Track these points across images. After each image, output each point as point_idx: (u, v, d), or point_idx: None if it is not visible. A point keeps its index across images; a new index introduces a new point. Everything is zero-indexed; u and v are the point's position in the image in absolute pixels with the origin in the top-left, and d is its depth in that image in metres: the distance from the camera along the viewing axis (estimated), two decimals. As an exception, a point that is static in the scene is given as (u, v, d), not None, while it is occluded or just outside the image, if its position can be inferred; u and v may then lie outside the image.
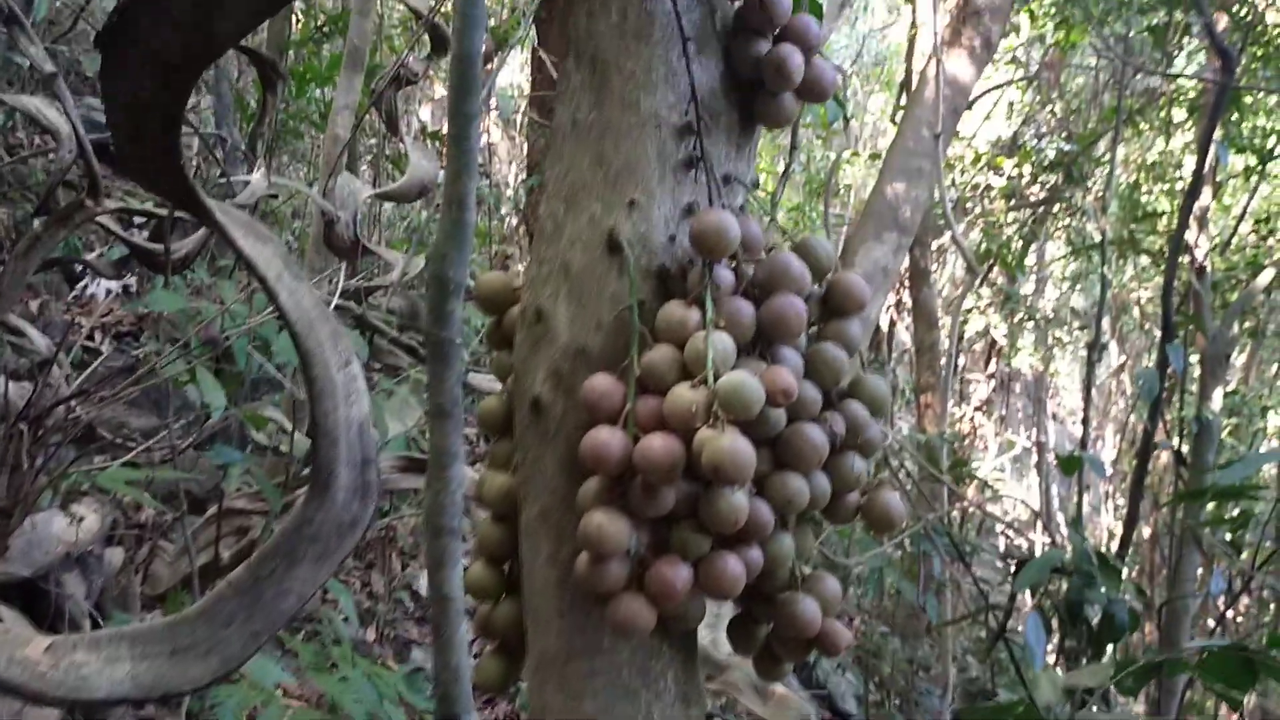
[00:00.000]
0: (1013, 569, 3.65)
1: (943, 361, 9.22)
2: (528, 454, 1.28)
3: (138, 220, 5.03)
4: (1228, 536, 3.79)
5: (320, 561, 1.96)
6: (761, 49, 1.29)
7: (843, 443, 1.27)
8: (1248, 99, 9.43)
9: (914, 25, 9.06)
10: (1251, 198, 10.04)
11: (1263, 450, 9.20)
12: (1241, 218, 10.14)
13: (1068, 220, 11.29)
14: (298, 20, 8.69)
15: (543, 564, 1.26)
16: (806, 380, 1.24)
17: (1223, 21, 8.45)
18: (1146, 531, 9.90)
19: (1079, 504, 5.74)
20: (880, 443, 1.32)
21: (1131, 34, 8.57)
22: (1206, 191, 8.01)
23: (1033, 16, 8.99)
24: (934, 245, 9.86)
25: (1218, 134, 8.38)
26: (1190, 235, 7.41)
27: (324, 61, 7.71)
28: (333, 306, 3.33)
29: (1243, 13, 8.56)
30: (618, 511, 1.14)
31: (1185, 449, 5.82)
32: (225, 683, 3.02)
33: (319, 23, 8.47)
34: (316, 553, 1.96)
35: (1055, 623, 3.73)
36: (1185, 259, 8.55)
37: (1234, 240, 10.28)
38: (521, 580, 1.31)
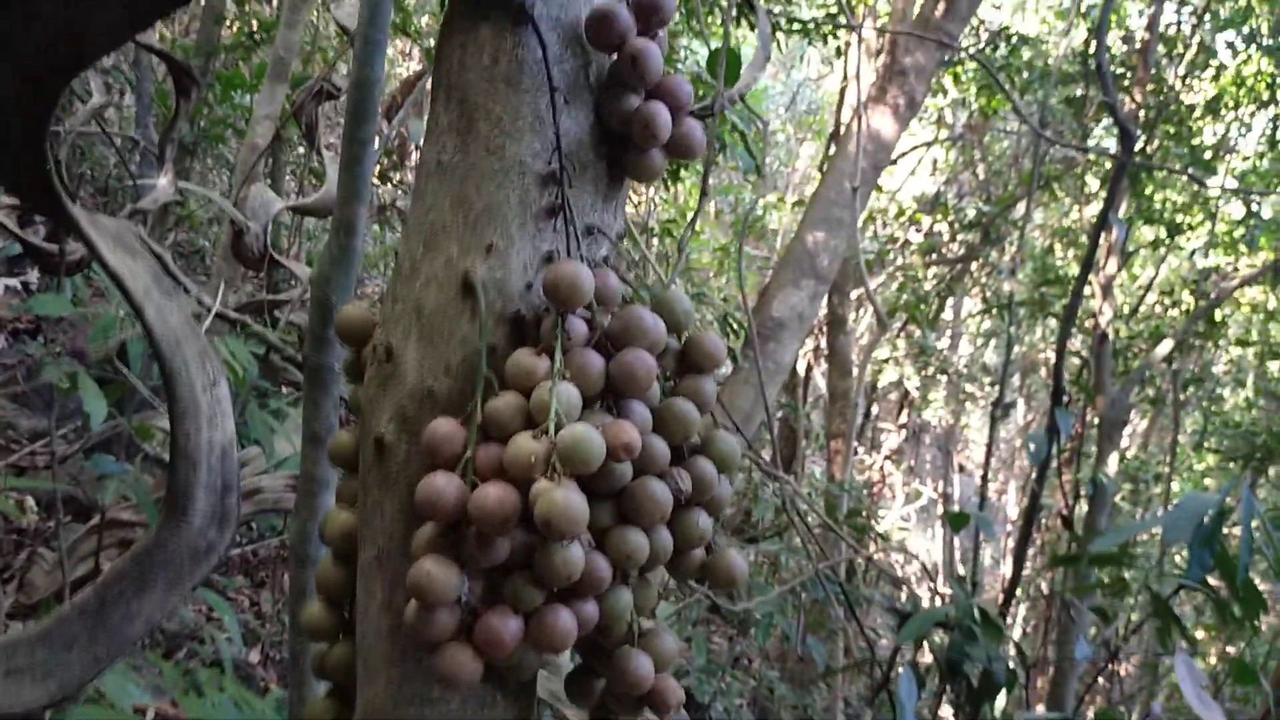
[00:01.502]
0: (898, 622, 3.69)
1: (853, 409, 9.34)
2: (369, 495, 1.26)
3: (38, 218, 4.89)
4: (1106, 599, 3.88)
5: (172, 587, 1.91)
6: (632, 104, 1.30)
7: (689, 499, 1.27)
8: (1160, 172, 9.78)
9: (845, 78, 9.25)
10: (1159, 269, 10.39)
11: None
12: (1148, 288, 10.50)
13: (984, 278, 11.56)
14: (230, 24, 8.58)
15: (376, 609, 1.24)
16: (655, 435, 1.24)
17: (1140, 98, 8.77)
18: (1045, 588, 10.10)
19: (975, 558, 5.84)
20: (728, 501, 1.33)
21: (1052, 102, 8.85)
22: (1114, 262, 8.27)
23: (957, 79, 9.23)
24: (853, 294, 10.01)
25: (1129, 207, 8.68)
26: (1095, 303, 7.64)
27: (253, 68, 7.61)
28: (213, 319, 3.26)
29: (1156, 90, 8.90)
30: (449, 560, 1.12)
31: (1082, 509, 5.96)
32: (77, 703, 2.91)
33: (252, 29, 8.37)
34: (169, 578, 1.90)
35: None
36: (1089, 324, 8.81)
37: (1140, 309, 10.63)
38: (355, 624, 1.28)
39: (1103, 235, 4.17)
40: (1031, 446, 3.85)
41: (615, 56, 1.31)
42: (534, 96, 1.25)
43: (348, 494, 1.36)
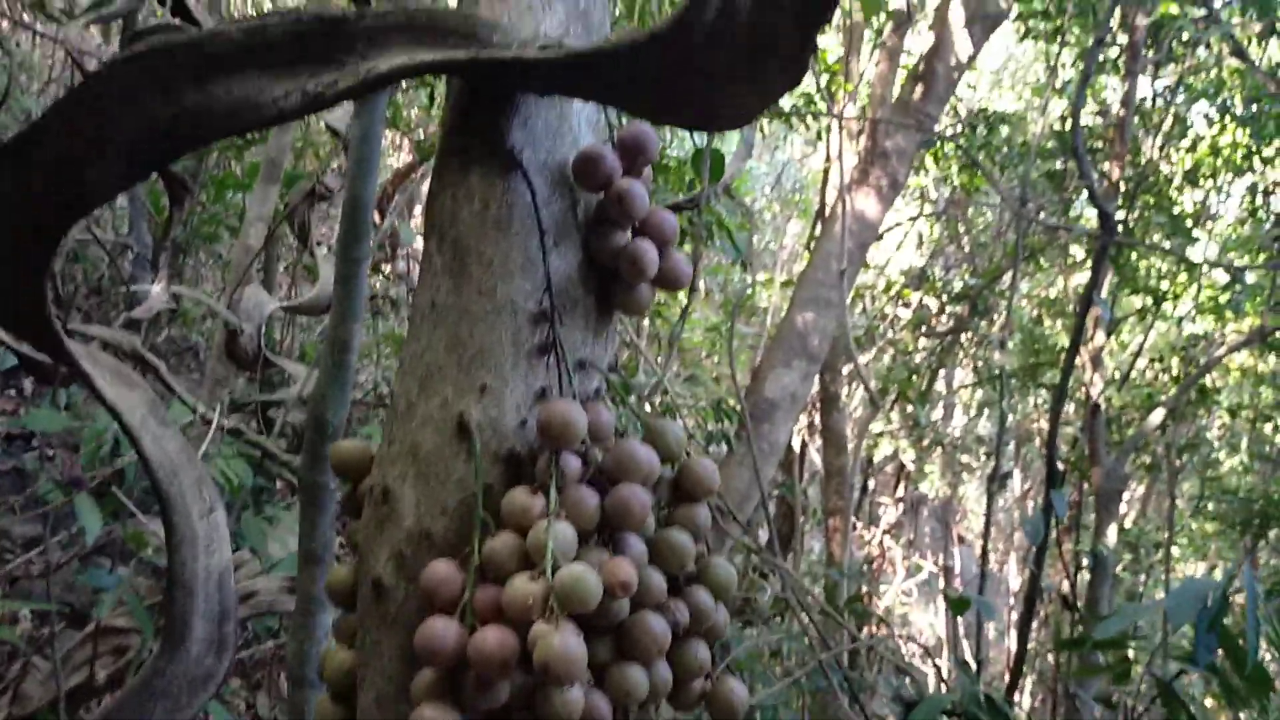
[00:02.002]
0: (903, 712, 3.65)
1: (850, 484, 9.33)
2: (368, 636, 1.27)
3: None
4: (1111, 686, 3.84)
5: (171, 717, 1.90)
6: (620, 241, 1.33)
7: (686, 630, 1.28)
8: (1145, 239, 9.91)
9: (828, 159, 9.39)
10: (1147, 336, 10.46)
11: (1159, 594, 9.40)
12: (1137, 355, 10.56)
13: (974, 350, 11.63)
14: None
15: (377, 752, 1.23)
16: (651, 566, 1.26)
17: (1119, 170, 8.92)
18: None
19: (979, 636, 5.79)
20: (724, 629, 1.33)
21: (1033, 176, 9.00)
22: (1101, 333, 8.33)
23: (937, 159, 9.39)
24: (844, 370, 10.05)
25: (1113, 277, 8.78)
26: (1086, 374, 7.70)
27: (245, 167, 7.72)
28: (205, 422, 3.27)
29: (1134, 161, 9.06)
30: (449, 705, 1.13)
31: (1083, 579, 5.93)
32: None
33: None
34: (167, 708, 1.90)
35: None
36: (1081, 393, 8.86)
37: (1131, 375, 10.68)
38: (356, 765, 1.28)
39: (1089, 310, 4.22)
40: (1028, 529, 3.85)
41: (602, 195, 1.35)
42: (524, 239, 1.29)
43: (346, 631, 1.36)
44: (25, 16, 8.63)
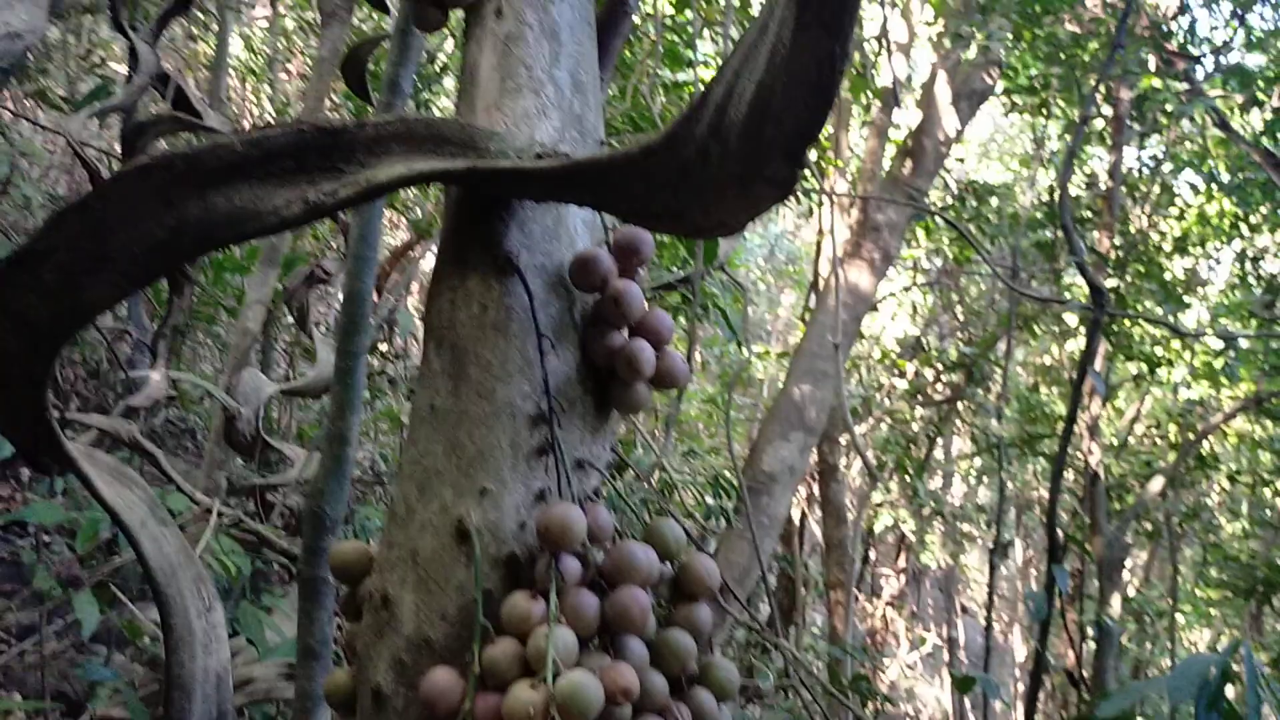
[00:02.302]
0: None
1: (851, 556, 9.27)
2: (368, 745, 1.26)
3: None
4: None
5: (167, 819, 1.87)
6: (616, 341, 1.35)
7: (689, 733, 1.27)
8: (1137, 306, 9.97)
9: (820, 232, 9.49)
10: (1143, 402, 10.48)
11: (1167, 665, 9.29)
12: (1134, 421, 10.57)
13: (971, 418, 11.64)
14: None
15: None
16: (652, 668, 1.25)
17: (1109, 239, 9.01)
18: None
19: (986, 712, 5.72)
20: (728, 731, 1.32)
21: (1023, 245, 9.09)
22: (1097, 401, 8.35)
23: (929, 232, 9.49)
24: (842, 441, 10.05)
25: (1107, 345, 8.82)
26: (1083, 443, 7.70)
27: (243, 250, 7.78)
28: (203, 508, 3.26)
29: (1123, 229, 9.15)
30: (450, 818, 1.11)
31: (1089, 649, 5.86)
32: None
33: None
34: (163, 810, 1.86)
35: None
36: (1079, 460, 8.84)
37: (1128, 441, 10.67)
38: None
39: (1084, 382, 4.24)
40: (1032, 605, 3.83)
41: (598, 296, 1.37)
42: (522, 341, 1.31)
43: (346, 738, 1.35)
44: (28, 102, 8.77)
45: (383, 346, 9.13)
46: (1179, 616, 10.95)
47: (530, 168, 1.25)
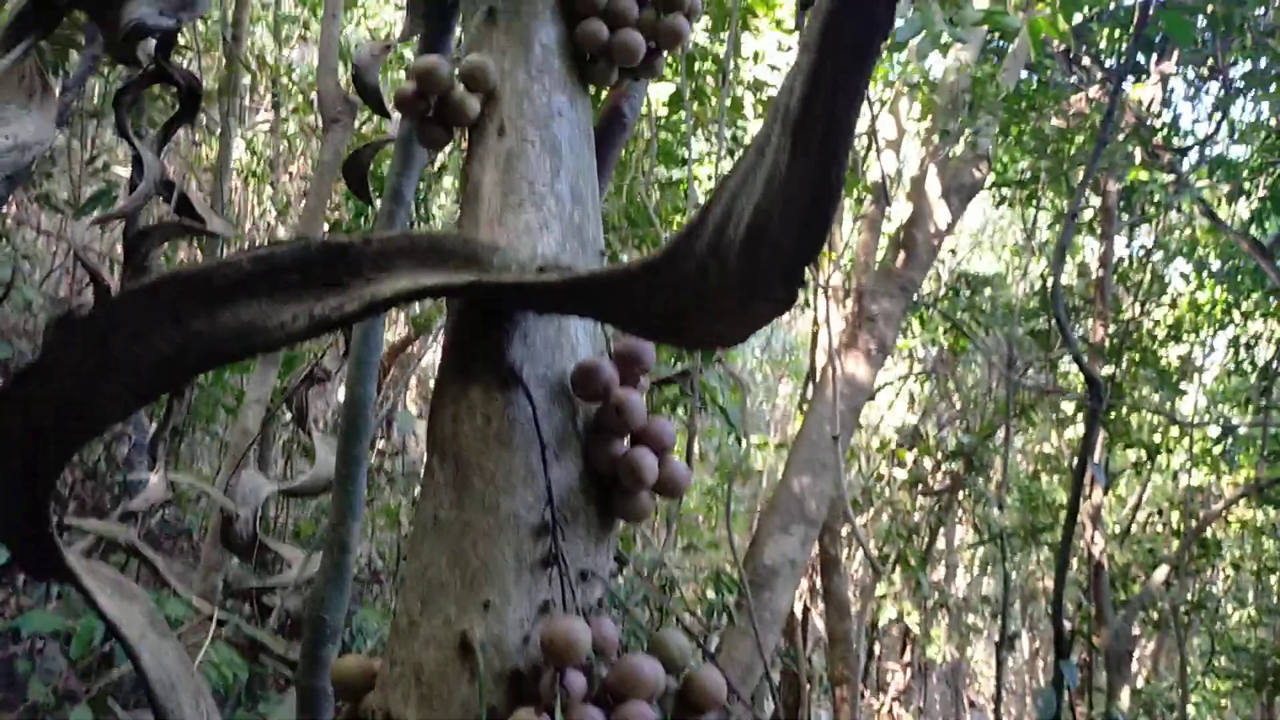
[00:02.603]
0: None
1: (855, 651, 9.12)
2: None
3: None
4: None
5: None
6: (618, 450, 1.36)
7: None
8: (1133, 393, 9.99)
9: (816, 322, 9.55)
10: (1143, 490, 10.45)
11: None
12: (1136, 508, 10.52)
13: (972, 507, 11.57)
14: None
15: None
16: (659, 786, 1.23)
17: (1103, 328, 9.08)
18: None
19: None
20: None
21: (1019, 332, 9.15)
22: (1098, 491, 8.32)
23: (923, 323, 9.56)
24: (843, 532, 9.97)
25: (1106, 434, 8.82)
26: (1086, 533, 7.66)
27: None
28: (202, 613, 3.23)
29: (1116, 317, 9.23)
30: None
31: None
32: None
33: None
34: None
35: None
36: (1082, 548, 8.77)
37: (1131, 529, 10.61)
38: None
39: (1084, 474, 4.23)
40: (1040, 703, 3.77)
41: (600, 405, 1.38)
42: (525, 452, 1.31)
43: None
44: (32, 206, 8.90)
45: (381, 443, 9.13)
46: (1190, 709, 10.75)
47: (533, 282, 1.28)
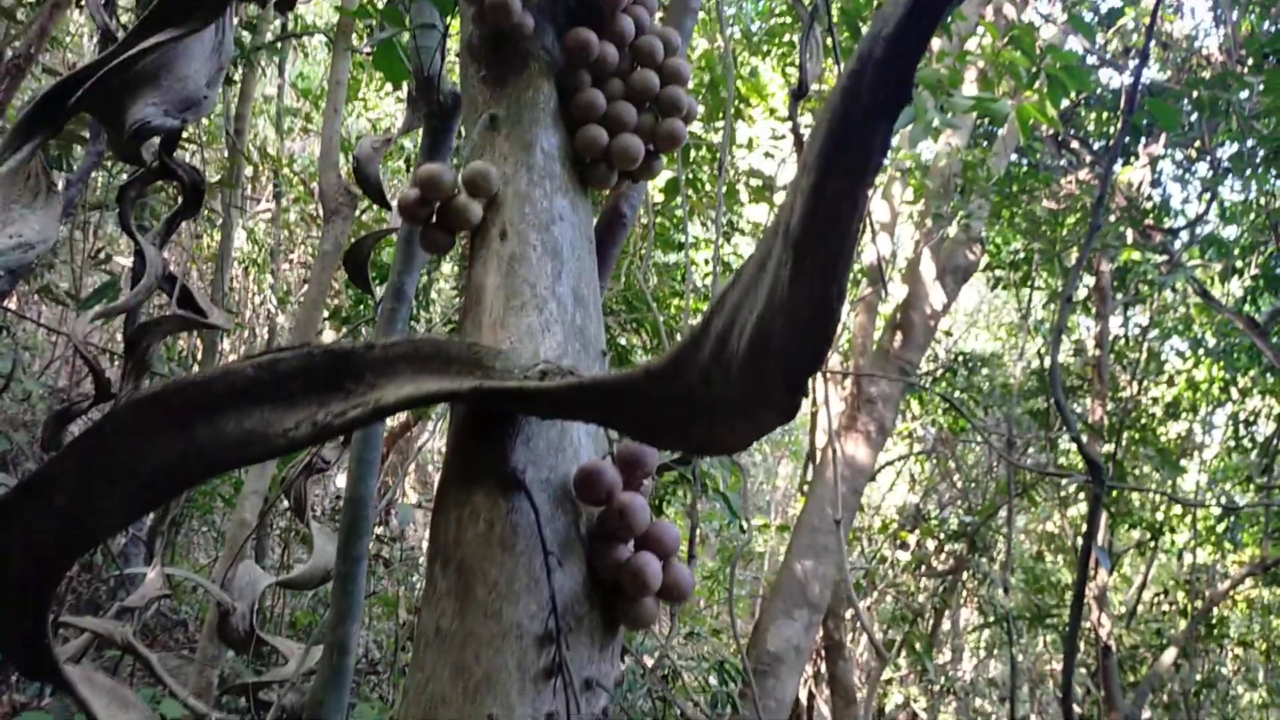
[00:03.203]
0: None
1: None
2: None
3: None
4: None
5: None
6: (622, 555, 1.35)
7: None
8: (1134, 472, 9.96)
9: (814, 403, 9.55)
10: (1149, 570, 10.35)
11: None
12: (1142, 588, 10.41)
13: (977, 588, 11.45)
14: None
15: None
16: None
17: (1102, 407, 9.08)
18: None
19: None
20: None
21: (1017, 412, 9.15)
22: (1103, 572, 8.25)
23: (922, 402, 9.57)
24: (847, 616, 9.84)
25: (1109, 514, 8.76)
26: (1093, 615, 7.57)
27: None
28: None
29: (1114, 395, 9.23)
30: None
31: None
32: None
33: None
34: None
35: None
36: (1088, 629, 8.66)
37: (1138, 609, 10.48)
38: None
39: (1089, 559, 4.19)
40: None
41: (604, 509, 1.37)
42: (529, 558, 1.30)
43: None
44: (33, 297, 8.95)
45: (379, 529, 9.06)
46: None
47: (535, 388, 1.28)
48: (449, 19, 2.33)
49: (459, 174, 1.59)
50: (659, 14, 1.95)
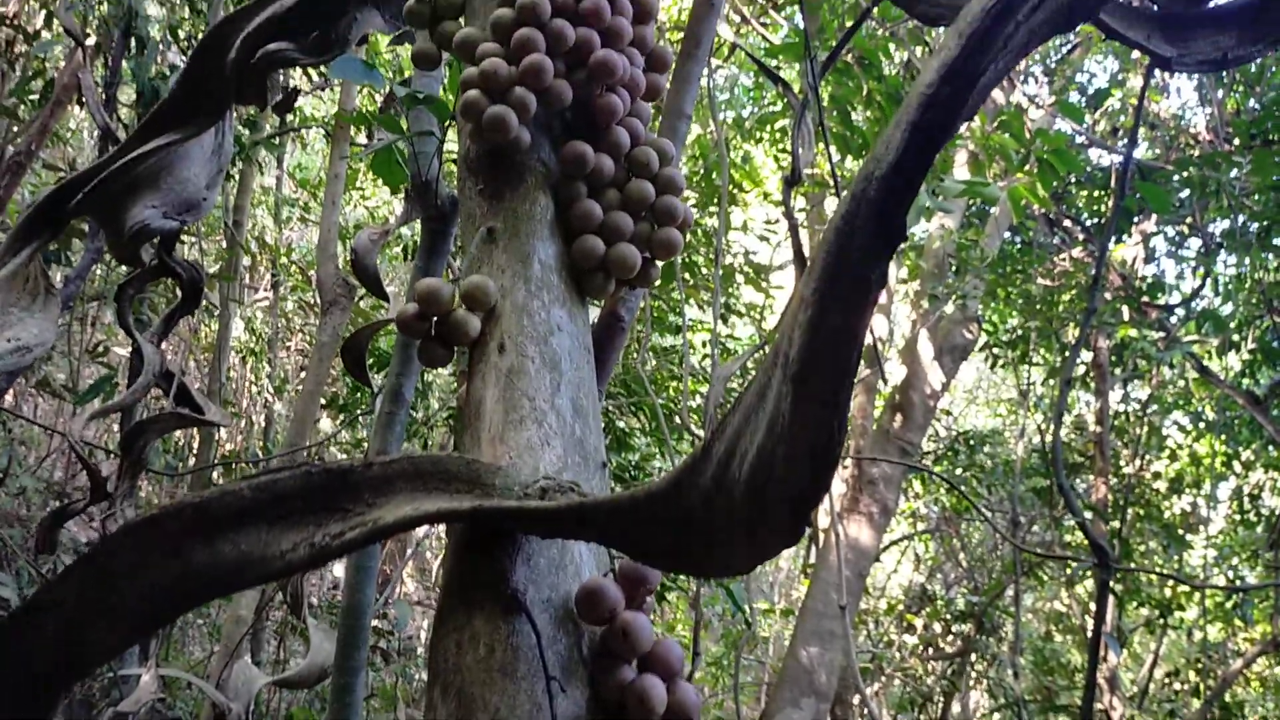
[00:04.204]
0: None
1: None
2: None
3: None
4: None
5: None
6: (626, 676, 1.32)
7: None
8: (1139, 549, 9.88)
9: (817, 486, 9.49)
10: (1159, 648, 10.21)
11: None
12: (1153, 666, 10.25)
13: (986, 668, 11.28)
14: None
15: None
16: None
17: (1105, 484, 9.04)
18: None
19: None
20: None
21: (1020, 490, 9.10)
22: (1113, 653, 8.13)
23: (924, 482, 9.53)
24: (855, 702, 9.68)
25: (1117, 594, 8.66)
26: (1105, 698, 7.44)
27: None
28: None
29: (1116, 472, 9.19)
30: None
31: None
32: None
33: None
34: None
35: None
36: (1102, 716, 8.50)
37: (1149, 688, 10.31)
38: None
39: (1099, 646, 4.12)
40: None
41: (606, 627, 1.35)
42: (530, 683, 1.28)
43: None
44: (30, 390, 8.95)
45: (376, 622, 8.94)
46: None
47: (535, 508, 1.27)
48: (446, 124, 2.36)
49: (457, 287, 1.59)
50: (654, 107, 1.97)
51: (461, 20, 1.94)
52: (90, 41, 5.82)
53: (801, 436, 0.90)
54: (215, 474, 7.95)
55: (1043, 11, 0.83)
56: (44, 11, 6.58)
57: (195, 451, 8.22)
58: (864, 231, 0.81)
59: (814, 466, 0.92)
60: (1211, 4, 2.03)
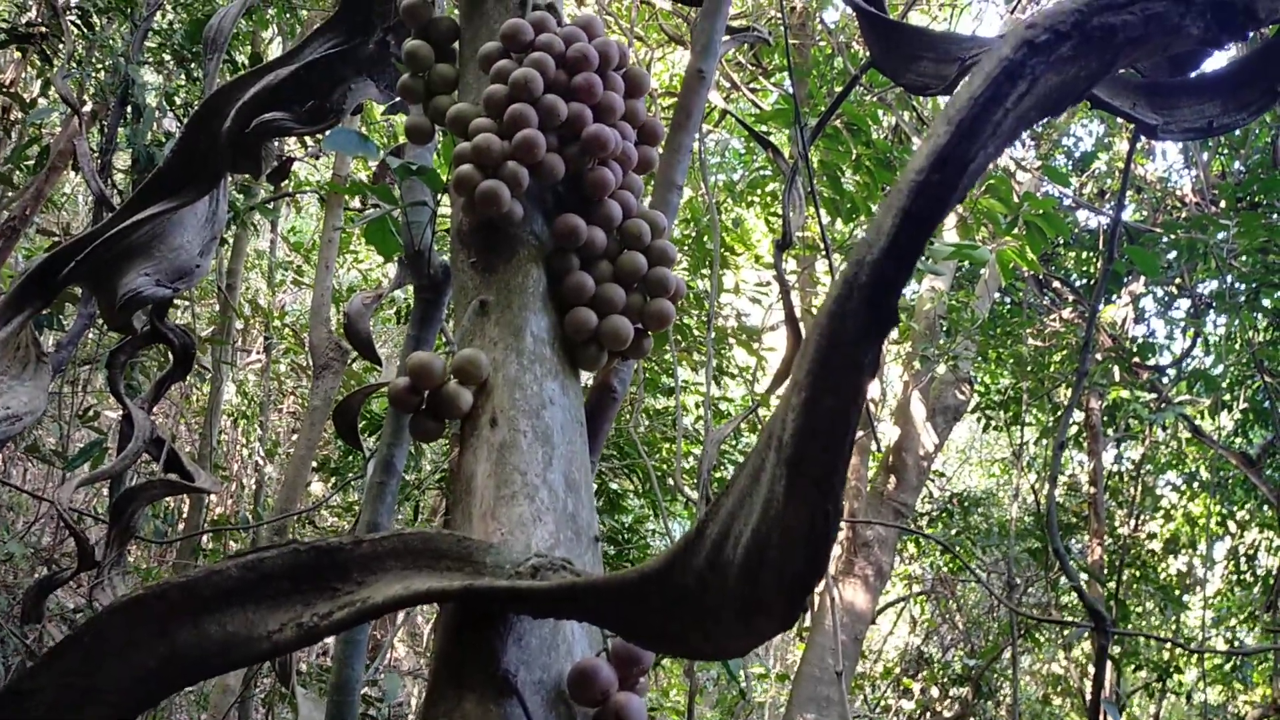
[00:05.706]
0: None
1: None
2: None
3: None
4: None
5: None
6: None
7: None
8: (1136, 610, 9.80)
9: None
10: (1159, 712, 10.09)
11: None
12: (1154, 731, 10.12)
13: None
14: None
15: None
16: None
17: (1100, 545, 8.99)
18: None
19: None
20: None
21: (1016, 550, 9.04)
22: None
23: (918, 543, 9.48)
24: (852, 768, 9.53)
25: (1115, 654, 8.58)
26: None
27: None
28: None
29: (1111, 532, 9.15)
30: None
31: None
32: None
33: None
34: None
35: None
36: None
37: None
38: None
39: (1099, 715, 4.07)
40: None
41: (599, 710, 1.33)
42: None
43: None
44: (19, 455, 8.88)
45: (365, 690, 8.80)
46: None
47: (527, 588, 1.25)
48: (440, 195, 2.37)
49: (448, 361, 1.59)
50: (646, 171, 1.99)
51: (455, 95, 1.96)
52: (86, 109, 5.87)
53: (796, 520, 0.89)
54: (205, 539, 7.88)
55: (1030, 98, 0.84)
56: (40, 80, 6.64)
57: (185, 516, 8.15)
58: (856, 316, 0.81)
59: (809, 550, 0.91)
60: (1196, 74, 2.06)
